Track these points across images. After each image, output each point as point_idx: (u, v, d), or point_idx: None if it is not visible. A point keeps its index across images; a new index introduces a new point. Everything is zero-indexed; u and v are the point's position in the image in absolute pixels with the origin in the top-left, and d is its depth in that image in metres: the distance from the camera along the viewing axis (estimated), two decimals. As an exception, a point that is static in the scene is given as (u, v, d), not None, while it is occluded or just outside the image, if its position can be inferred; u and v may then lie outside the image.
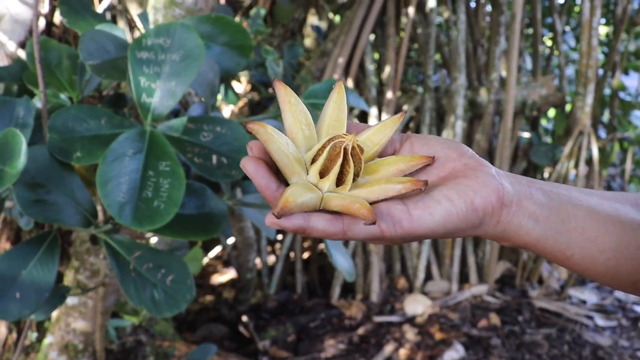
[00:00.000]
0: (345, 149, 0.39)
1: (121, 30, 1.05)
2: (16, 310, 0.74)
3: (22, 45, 1.53)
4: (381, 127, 0.43)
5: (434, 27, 2.42)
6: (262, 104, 2.64)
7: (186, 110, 1.07)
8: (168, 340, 1.85)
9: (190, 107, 1.03)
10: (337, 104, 0.44)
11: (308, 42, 3.52)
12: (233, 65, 1.00)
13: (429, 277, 2.44)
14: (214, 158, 0.83)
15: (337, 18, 3.26)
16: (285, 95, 0.42)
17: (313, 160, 0.40)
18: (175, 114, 1.04)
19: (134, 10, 1.49)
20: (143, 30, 1.11)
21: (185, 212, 0.83)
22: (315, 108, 0.96)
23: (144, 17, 1.11)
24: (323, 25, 3.36)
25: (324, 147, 0.40)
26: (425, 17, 2.48)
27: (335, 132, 0.42)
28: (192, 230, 0.82)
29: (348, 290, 2.53)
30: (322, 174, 0.40)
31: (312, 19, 3.44)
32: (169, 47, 0.81)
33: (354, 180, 0.41)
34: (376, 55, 2.67)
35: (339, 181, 0.40)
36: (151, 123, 0.82)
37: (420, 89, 2.62)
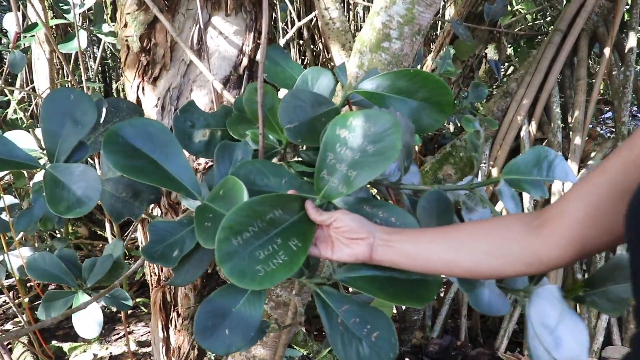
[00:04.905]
0: None
1: (329, 74, 1.07)
2: (224, 346, 0.79)
3: (226, 80, 1.66)
4: None
5: (632, 69, 2.23)
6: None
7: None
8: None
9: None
10: None
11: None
12: (431, 122, 0.97)
13: (607, 341, 2.24)
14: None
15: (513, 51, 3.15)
16: None
17: None
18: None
19: (336, 51, 1.54)
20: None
21: (399, 277, 0.81)
22: (515, 186, 0.86)
23: (341, 70, 1.14)
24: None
25: None
26: (623, 58, 2.29)
27: None
28: (404, 295, 0.80)
29: (515, 343, 2.39)
30: None
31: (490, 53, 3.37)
32: (369, 135, 0.79)
33: None
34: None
35: None
36: (321, 199, 0.81)
37: (611, 136, 2.42)
